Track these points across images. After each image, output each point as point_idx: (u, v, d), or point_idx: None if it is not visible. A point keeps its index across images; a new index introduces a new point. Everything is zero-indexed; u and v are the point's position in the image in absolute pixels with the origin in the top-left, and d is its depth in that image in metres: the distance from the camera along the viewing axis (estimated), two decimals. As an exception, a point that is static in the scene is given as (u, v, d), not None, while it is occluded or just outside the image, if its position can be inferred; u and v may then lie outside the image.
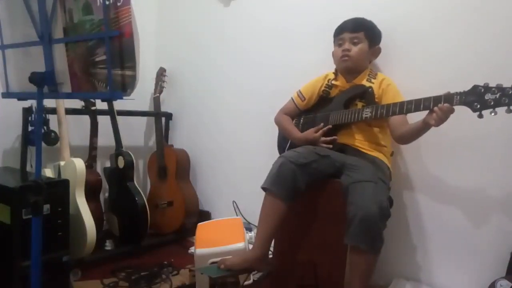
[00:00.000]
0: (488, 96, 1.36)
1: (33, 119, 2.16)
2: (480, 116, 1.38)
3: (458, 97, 1.42)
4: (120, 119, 2.46)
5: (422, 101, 1.51)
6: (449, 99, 1.43)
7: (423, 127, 1.53)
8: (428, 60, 1.85)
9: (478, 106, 1.38)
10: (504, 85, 1.34)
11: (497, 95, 1.34)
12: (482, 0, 1.70)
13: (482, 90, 1.37)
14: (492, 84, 1.37)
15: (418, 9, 1.87)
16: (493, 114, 1.36)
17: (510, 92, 1.32)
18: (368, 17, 1.86)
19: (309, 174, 1.64)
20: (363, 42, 1.81)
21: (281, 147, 2.10)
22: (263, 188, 1.66)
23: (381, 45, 1.88)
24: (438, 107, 1.43)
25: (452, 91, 1.45)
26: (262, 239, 1.64)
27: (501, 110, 1.35)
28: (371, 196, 1.49)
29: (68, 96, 1.19)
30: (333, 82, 1.92)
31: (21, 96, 1.34)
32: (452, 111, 1.42)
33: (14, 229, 1.61)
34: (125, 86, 1.02)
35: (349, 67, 1.85)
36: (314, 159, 1.66)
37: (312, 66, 2.14)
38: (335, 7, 2.12)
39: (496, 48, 1.67)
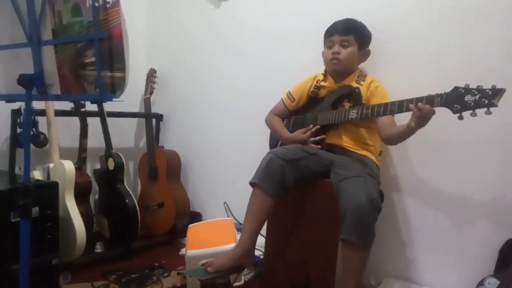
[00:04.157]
0: (468, 98, 1.36)
1: (21, 121, 2.14)
2: (460, 117, 1.38)
3: (439, 98, 1.42)
4: (110, 120, 2.45)
5: (405, 102, 1.52)
6: (430, 100, 1.44)
7: (408, 130, 1.53)
8: (418, 63, 1.87)
9: (458, 107, 1.38)
10: (484, 87, 1.35)
11: (477, 97, 1.35)
12: (474, 2, 1.73)
13: (463, 92, 1.38)
14: (473, 85, 1.38)
15: (410, 12, 1.90)
16: (473, 115, 1.36)
17: (490, 93, 1.33)
18: (358, 19, 1.87)
19: (298, 170, 1.65)
20: (352, 45, 1.83)
21: (273, 146, 2.11)
22: (251, 184, 1.67)
23: (372, 47, 1.90)
24: (417, 106, 1.43)
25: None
26: (248, 234, 1.63)
27: (481, 112, 1.35)
28: (360, 189, 1.50)
29: (57, 98, 1.18)
30: (322, 83, 1.94)
31: (9, 98, 1.32)
32: (432, 112, 1.42)
33: (2, 232, 1.59)
34: (114, 88, 1.02)
35: (338, 70, 1.87)
36: (302, 156, 1.68)
37: (303, 66, 2.15)
38: (326, 9, 2.13)
39: (487, 51, 1.70)
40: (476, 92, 1.35)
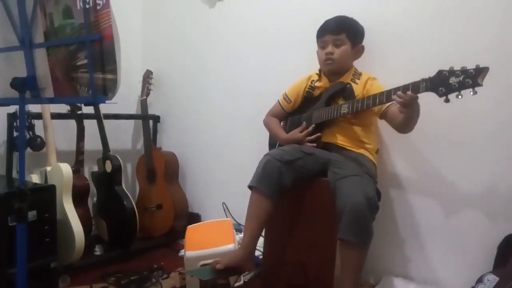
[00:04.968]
0: (452, 80, 1.35)
1: (17, 124, 2.13)
2: (447, 100, 1.37)
3: (424, 83, 1.42)
4: (107, 122, 2.44)
5: (392, 91, 1.52)
6: (416, 86, 1.44)
7: (404, 118, 1.55)
8: (413, 61, 1.86)
9: (444, 90, 1.37)
10: (468, 67, 1.34)
11: (461, 78, 1.34)
12: (470, 1, 1.72)
13: (447, 74, 1.37)
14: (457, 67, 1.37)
15: (405, 9, 1.89)
16: (459, 97, 1.35)
17: (473, 73, 1.31)
18: (353, 17, 1.86)
19: (295, 171, 1.65)
20: (345, 44, 1.82)
21: (272, 146, 2.11)
22: (250, 187, 1.67)
23: (367, 45, 1.89)
24: (397, 95, 1.45)
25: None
26: (249, 238, 1.64)
27: (467, 93, 1.34)
28: (357, 188, 1.51)
29: (51, 101, 1.18)
30: (317, 83, 1.93)
31: (3, 102, 1.32)
32: (413, 98, 1.43)
33: (0, 236, 1.58)
34: (106, 90, 1.02)
35: (333, 70, 1.87)
36: (299, 157, 1.67)
37: (300, 66, 2.14)
38: (320, 8, 2.12)
39: (483, 49, 1.69)
40: (460, 73, 1.34)
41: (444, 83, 1.37)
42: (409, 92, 1.43)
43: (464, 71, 1.34)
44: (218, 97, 2.66)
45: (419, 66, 1.82)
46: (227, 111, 2.62)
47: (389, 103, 1.67)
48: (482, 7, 1.70)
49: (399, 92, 1.45)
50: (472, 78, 1.32)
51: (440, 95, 1.38)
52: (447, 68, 1.38)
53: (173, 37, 2.90)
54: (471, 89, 1.33)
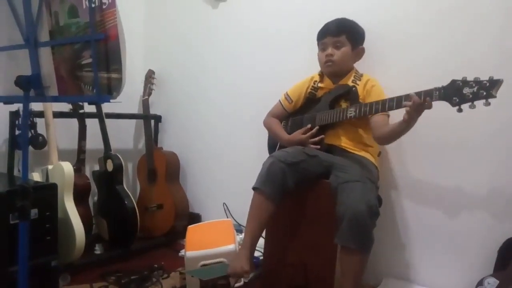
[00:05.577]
0: (466, 90, 1.36)
1: (20, 122, 2.14)
2: (460, 110, 1.38)
3: (437, 92, 1.42)
4: (108, 122, 2.44)
5: (403, 98, 1.51)
6: (429, 95, 1.43)
7: (401, 126, 1.52)
8: (414, 64, 1.87)
9: (457, 100, 1.37)
10: (481, 78, 1.34)
11: (475, 89, 1.34)
12: (471, 3, 1.73)
13: (461, 84, 1.37)
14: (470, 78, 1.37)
15: (406, 13, 1.89)
16: (473, 107, 1.36)
17: (487, 85, 1.32)
18: (355, 19, 1.87)
19: (298, 173, 1.65)
20: (345, 45, 1.82)
21: (271, 148, 2.10)
22: (254, 188, 1.67)
23: (368, 47, 1.89)
24: (410, 96, 1.42)
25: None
26: (250, 238, 1.64)
27: (479, 104, 1.35)
28: (359, 195, 1.50)
29: (55, 99, 1.18)
30: (319, 84, 1.93)
31: (7, 100, 1.32)
32: (426, 105, 1.40)
33: (1, 234, 1.59)
34: (111, 89, 1.02)
35: (333, 72, 1.87)
36: (303, 159, 1.67)
37: (300, 67, 2.15)
38: (322, 10, 2.13)
39: (484, 51, 1.69)
40: (474, 84, 1.35)
41: (458, 93, 1.37)
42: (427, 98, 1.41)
43: (478, 82, 1.34)
44: (219, 97, 2.66)
45: (420, 69, 1.85)
46: (228, 111, 2.62)
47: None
48: (483, 9, 1.70)
49: (416, 96, 1.42)
50: (486, 89, 1.32)
51: (453, 105, 1.39)
52: (456, 76, 1.38)
53: (175, 38, 2.90)
54: (484, 100, 1.33)
